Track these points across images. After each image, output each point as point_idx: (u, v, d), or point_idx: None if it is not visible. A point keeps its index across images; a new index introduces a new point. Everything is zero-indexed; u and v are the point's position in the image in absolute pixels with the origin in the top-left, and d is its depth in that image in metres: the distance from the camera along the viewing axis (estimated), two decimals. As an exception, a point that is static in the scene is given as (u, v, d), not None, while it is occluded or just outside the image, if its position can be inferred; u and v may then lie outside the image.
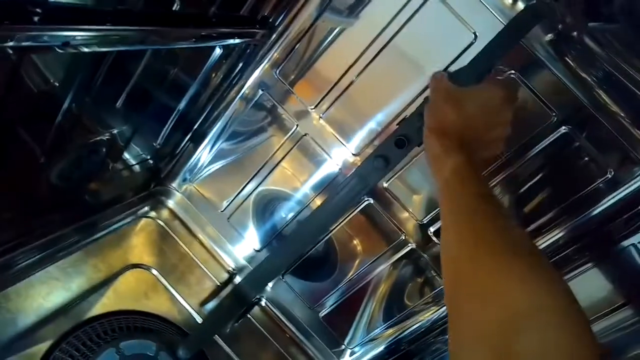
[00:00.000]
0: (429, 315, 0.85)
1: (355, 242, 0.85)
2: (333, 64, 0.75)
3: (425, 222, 0.78)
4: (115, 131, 0.70)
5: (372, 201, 0.79)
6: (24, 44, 0.38)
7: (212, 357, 0.75)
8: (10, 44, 0.37)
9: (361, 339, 0.87)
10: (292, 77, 0.77)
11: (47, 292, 0.67)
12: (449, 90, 0.53)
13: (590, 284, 0.66)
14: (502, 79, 0.65)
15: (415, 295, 0.86)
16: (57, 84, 0.52)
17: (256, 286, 0.74)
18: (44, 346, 0.60)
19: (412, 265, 0.85)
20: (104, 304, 0.69)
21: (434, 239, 0.78)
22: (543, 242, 0.73)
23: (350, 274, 0.85)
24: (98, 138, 0.68)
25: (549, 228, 0.73)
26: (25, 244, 0.68)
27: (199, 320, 0.79)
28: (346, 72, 0.73)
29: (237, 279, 0.88)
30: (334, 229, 0.84)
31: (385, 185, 0.77)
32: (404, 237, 0.80)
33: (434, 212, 0.77)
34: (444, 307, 0.83)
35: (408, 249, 0.81)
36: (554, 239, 0.73)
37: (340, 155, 0.78)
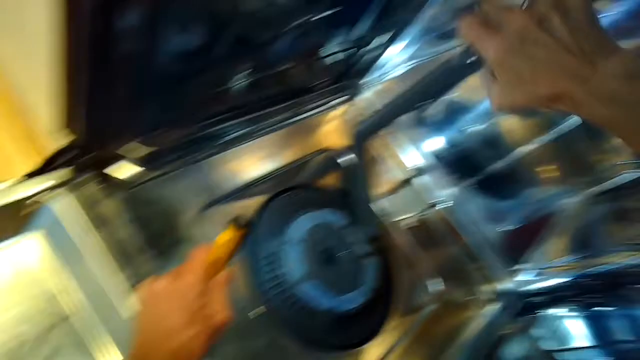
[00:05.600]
0: (619, 260, 0.76)
1: (553, 166, 0.78)
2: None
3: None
4: (314, 17, 0.73)
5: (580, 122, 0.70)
6: None
7: (390, 246, 0.81)
8: None
9: (537, 267, 0.83)
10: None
11: (256, 159, 0.77)
12: None
13: None
14: None
15: (608, 236, 0.77)
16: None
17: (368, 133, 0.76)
18: (255, 201, 0.71)
19: (613, 204, 0.75)
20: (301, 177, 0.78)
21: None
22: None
23: (540, 198, 0.80)
24: (297, 23, 0.72)
25: None
26: (238, 116, 0.79)
27: (379, 208, 0.83)
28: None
29: (417, 179, 0.90)
30: (532, 149, 0.78)
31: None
32: (611, 172, 0.70)
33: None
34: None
35: (613, 185, 0.71)
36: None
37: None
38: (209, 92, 0.64)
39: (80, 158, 0.51)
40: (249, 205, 0.68)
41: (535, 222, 0.84)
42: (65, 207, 0.52)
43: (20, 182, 0.50)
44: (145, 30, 0.42)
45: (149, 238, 0.56)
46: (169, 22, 0.44)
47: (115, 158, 0.56)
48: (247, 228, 0.59)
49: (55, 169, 0.51)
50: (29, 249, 0.55)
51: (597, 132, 0.74)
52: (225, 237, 0.56)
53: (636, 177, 0.70)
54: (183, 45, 0.51)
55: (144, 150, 0.57)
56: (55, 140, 0.49)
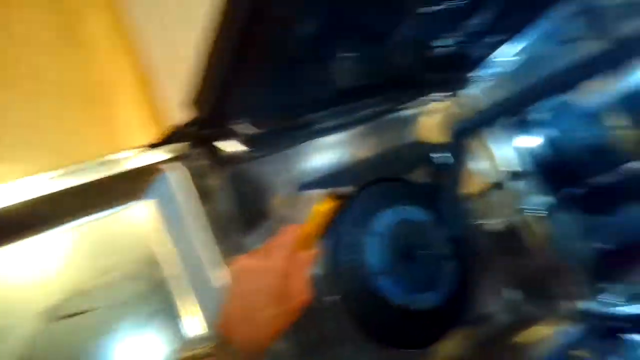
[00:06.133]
0: None
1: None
2: None
3: None
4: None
5: None
6: None
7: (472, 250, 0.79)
8: None
9: (629, 290, 0.77)
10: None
11: (350, 149, 0.77)
12: None
13: None
14: None
15: None
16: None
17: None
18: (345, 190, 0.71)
19: None
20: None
21: None
22: None
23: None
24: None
25: None
26: (338, 104, 0.77)
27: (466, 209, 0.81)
28: None
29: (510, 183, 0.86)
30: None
31: None
32: None
33: None
34: None
35: None
36: None
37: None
38: (319, 77, 0.64)
39: (197, 133, 0.55)
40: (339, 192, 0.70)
41: (635, 245, 0.77)
42: (177, 178, 0.57)
43: (142, 151, 0.55)
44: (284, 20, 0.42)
45: (245, 215, 0.60)
46: (301, 10, 0.44)
47: (226, 136, 0.59)
48: (344, 199, 0.58)
49: (174, 141, 0.55)
50: (142, 214, 0.61)
51: None
52: (322, 207, 0.55)
53: None
54: (304, 32, 0.51)
55: (250, 131, 0.60)
56: (179, 115, 0.52)
